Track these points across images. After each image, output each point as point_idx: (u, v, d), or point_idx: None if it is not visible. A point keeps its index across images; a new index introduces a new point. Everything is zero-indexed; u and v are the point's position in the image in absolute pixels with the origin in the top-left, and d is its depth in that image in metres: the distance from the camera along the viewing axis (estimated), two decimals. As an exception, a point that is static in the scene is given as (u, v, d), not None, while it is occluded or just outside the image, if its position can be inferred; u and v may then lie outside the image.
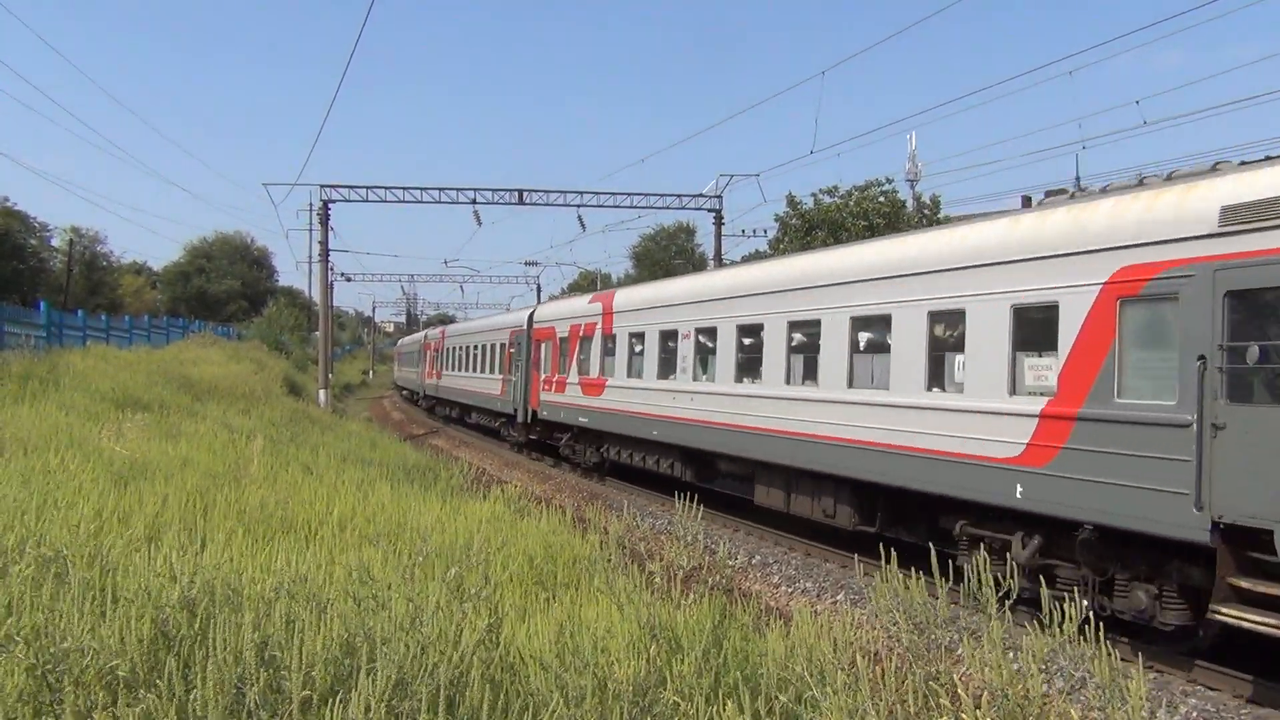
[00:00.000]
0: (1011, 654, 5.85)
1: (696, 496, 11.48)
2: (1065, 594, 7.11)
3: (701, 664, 6.02)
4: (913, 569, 7.02)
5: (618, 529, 11.36)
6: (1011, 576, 6.53)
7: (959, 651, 6.58)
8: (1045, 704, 5.49)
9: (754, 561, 15.78)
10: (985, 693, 5.52)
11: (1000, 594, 6.29)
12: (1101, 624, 6.20)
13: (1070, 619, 5.78)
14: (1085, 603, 6.36)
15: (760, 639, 7.00)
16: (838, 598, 13.41)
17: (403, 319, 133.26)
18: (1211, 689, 9.62)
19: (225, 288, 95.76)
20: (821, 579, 14.57)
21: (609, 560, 9.92)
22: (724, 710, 5.41)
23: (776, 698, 5.73)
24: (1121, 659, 5.87)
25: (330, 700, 4.50)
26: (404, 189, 39.45)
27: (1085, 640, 5.76)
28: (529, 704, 5.24)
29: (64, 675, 4.50)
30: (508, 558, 9.47)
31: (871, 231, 42.15)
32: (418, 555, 6.81)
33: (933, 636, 6.29)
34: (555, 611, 7.66)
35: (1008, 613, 6.24)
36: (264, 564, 7.04)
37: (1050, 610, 5.96)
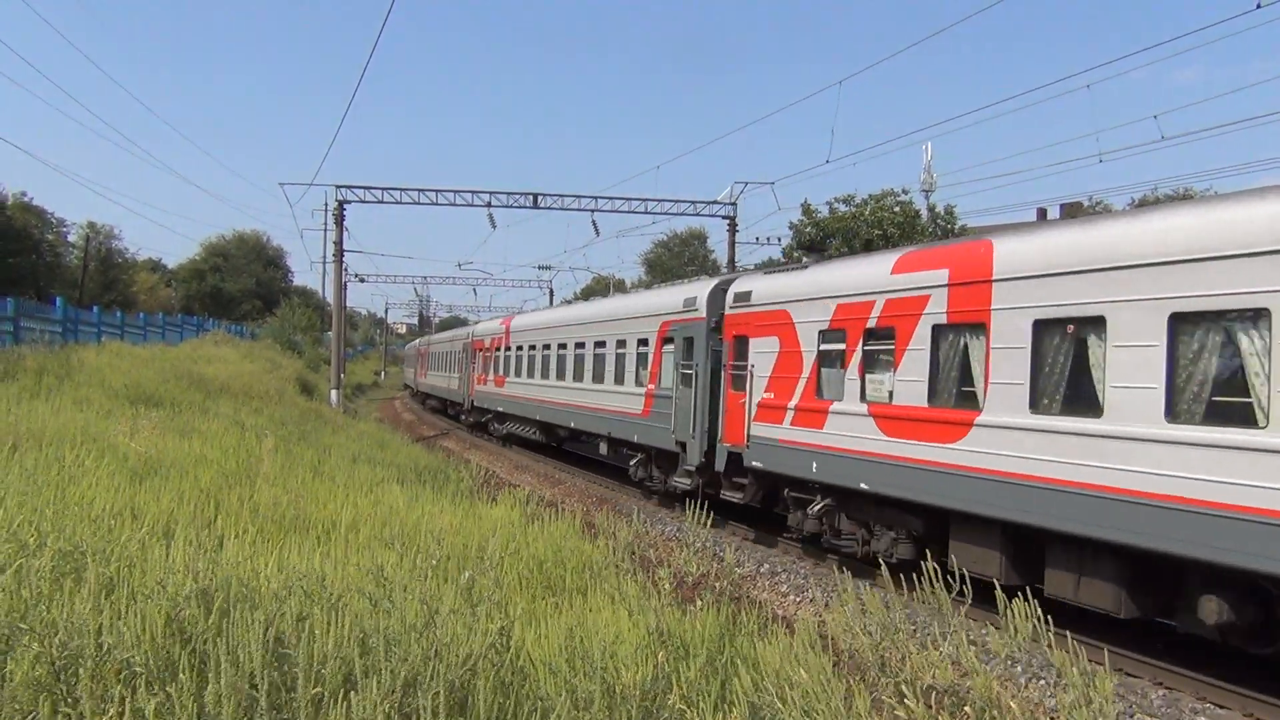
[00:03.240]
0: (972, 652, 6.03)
1: (706, 504, 11.53)
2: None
3: (709, 670, 6.04)
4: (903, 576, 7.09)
5: (626, 535, 11.41)
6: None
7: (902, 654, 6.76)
8: (990, 694, 5.60)
9: (762, 570, 15.77)
10: (934, 691, 5.65)
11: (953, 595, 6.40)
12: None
13: (1027, 615, 5.89)
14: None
15: (767, 647, 7.03)
16: (847, 607, 13.39)
17: (415, 320, 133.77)
18: (1222, 707, 9.59)
19: (240, 286, 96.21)
20: (830, 588, 14.55)
21: (618, 566, 9.96)
22: (729, 718, 5.45)
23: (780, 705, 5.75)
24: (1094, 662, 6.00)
25: (339, 696, 4.54)
26: (419, 190, 39.62)
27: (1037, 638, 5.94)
28: (538, 707, 5.28)
29: (80, 669, 4.55)
30: (518, 561, 9.51)
31: (886, 241, 42.16)
32: (431, 558, 6.86)
33: (893, 640, 6.42)
34: (565, 616, 7.69)
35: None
36: (277, 562, 7.08)
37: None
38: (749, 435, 16.78)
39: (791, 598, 14.18)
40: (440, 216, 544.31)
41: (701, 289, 19.52)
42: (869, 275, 14.13)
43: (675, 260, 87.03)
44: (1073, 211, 13.12)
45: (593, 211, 41.05)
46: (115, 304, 61.52)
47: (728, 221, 41.22)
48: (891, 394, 13.19)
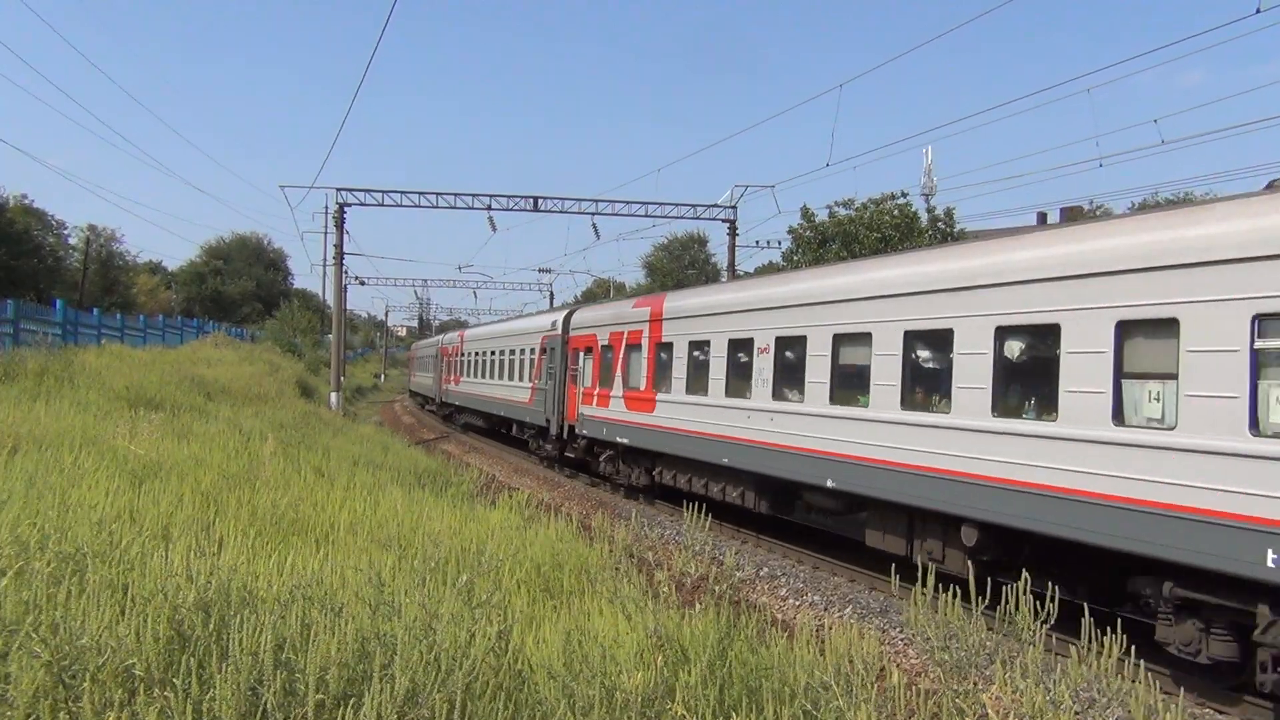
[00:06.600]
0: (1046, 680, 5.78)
1: (705, 508, 11.49)
2: None
3: (708, 675, 6.03)
4: (940, 587, 7.02)
5: (625, 537, 11.41)
6: (1052, 600, 6.45)
7: (986, 674, 6.57)
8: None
9: (761, 574, 15.77)
10: (1012, 716, 5.49)
11: (1039, 620, 6.25)
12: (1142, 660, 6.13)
13: (1109, 651, 5.73)
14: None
15: (768, 651, 7.01)
16: (844, 612, 13.40)
17: (415, 323, 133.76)
18: (1221, 712, 9.57)
19: (240, 289, 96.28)
20: (829, 592, 14.56)
21: (616, 568, 9.95)
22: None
23: (788, 708, 5.74)
24: (1165, 692, 5.82)
25: (343, 705, 4.54)
26: (419, 193, 39.60)
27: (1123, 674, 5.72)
28: (537, 712, 5.27)
29: (81, 673, 4.55)
30: (517, 564, 9.50)
31: (885, 245, 42.15)
32: (430, 561, 6.85)
33: (962, 657, 6.28)
34: (563, 620, 7.68)
35: (1051, 639, 6.19)
36: (277, 566, 7.08)
37: (1089, 639, 5.90)
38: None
39: (790, 601, 14.19)
40: (440, 219, 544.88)
41: (559, 315, 28.86)
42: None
43: (675, 264, 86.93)
44: (1073, 216, 13.14)
45: (593, 215, 41.02)
46: (115, 306, 61.58)
47: (728, 225, 41.23)
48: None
